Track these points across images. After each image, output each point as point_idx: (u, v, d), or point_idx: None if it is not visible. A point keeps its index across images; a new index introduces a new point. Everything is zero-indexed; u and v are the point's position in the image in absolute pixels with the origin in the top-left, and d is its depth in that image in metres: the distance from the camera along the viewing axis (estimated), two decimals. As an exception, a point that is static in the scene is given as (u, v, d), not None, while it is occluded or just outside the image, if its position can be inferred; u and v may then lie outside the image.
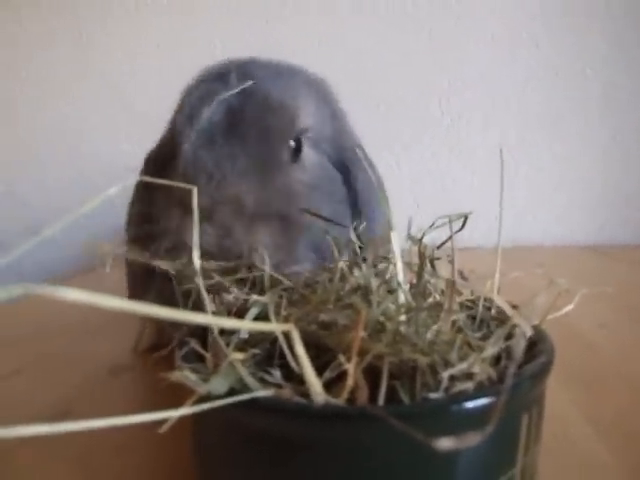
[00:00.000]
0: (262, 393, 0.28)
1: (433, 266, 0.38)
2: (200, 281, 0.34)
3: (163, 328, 0.54)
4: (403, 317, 0.31)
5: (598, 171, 1.33)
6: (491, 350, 0.30)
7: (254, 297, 0.36)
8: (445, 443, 0.22)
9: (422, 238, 0.37)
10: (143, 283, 0.48)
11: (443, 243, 0.40)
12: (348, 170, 0.53)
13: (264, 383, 0.30)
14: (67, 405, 0.49)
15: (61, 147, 1.37)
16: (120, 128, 1.36)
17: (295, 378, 0.31)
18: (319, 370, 0.29)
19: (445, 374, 0.28)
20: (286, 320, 0.33)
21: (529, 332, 0.31)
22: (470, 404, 0.27)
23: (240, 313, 0.37)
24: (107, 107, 1.36)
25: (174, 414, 0.23)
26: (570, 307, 0.38)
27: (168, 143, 0.50)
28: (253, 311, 0.36)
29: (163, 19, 1.35)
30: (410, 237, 0.37)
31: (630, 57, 1.31)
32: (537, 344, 0.33)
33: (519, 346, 0.28)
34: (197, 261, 0.35)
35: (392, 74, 1.33)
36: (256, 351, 0.33)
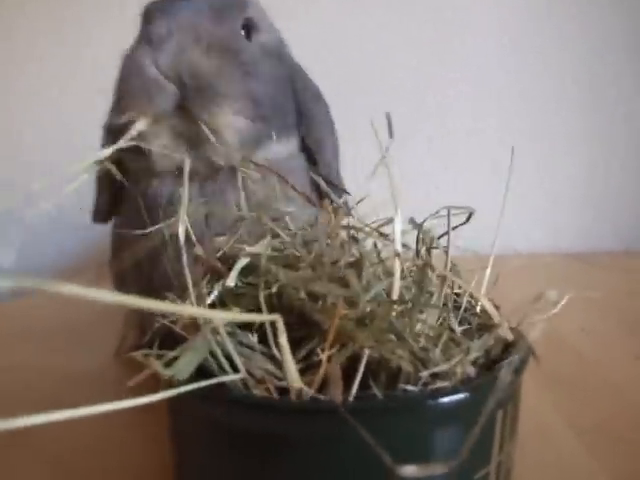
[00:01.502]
0: (228, 378, 0.28)
1: (429, 254, 0.37)
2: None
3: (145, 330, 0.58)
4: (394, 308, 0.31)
5: (582, 177, 1.32)
6: (475, 354, 0.30)
7: (246, 247, 0.35)
8: (409, 471, 0.22)
9: (422, 223, 0.37)
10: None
11: (443, 234, 0.39)
12: (294, 76, 0.55)
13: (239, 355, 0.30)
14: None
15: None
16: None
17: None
18: (299, 343, 0.30)
19: (425, 373, 0.28)
20: (275, 281, 0.33)
21: (509, 335, 0.32)
22: (445, 400, 0.27)
23: (229, 260, 0.36)
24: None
25: (144, 400, 0.23)
26: (554, 311, 0.36)
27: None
28: (242, 261, 0.35)
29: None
30: (412, 221, 0.36)
31: (616, 57, 1.29)
32: (514, 343, 0.33)
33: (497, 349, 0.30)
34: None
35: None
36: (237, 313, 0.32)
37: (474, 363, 0.30)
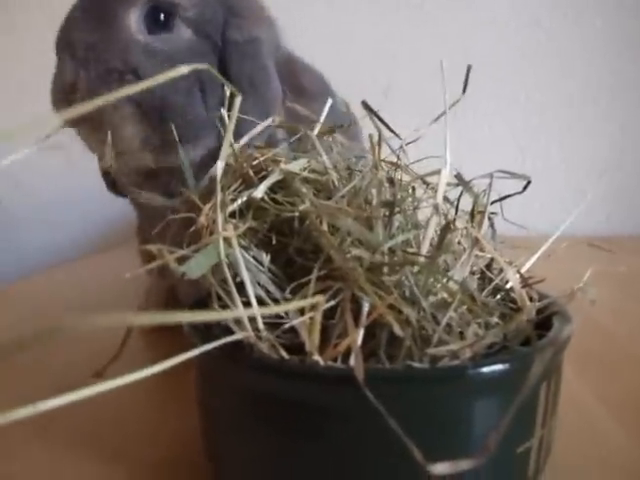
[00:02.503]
0: (237, 336, 0.27)
1: (473, 217, 0.35)
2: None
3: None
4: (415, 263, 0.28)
5: (606, 163, 1.30)
6: (490, 339, 0.28)
7: (281, 165, 0.33)
8: (439, 468, 0.21)
9: (470, 181, 0.34)
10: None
11: (496, 201, 0.37)
12: (227, 58, 0.50)
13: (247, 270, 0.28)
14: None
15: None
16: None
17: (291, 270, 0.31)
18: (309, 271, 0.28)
19: (432, 350, 0.26)
20: (301, 204, 0.30)
21: (531, 315, 0.30)
22: (491, 369, 0.25)
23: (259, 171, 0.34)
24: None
25: (166, 364, 0.22)
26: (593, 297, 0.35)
27: None
28: (274, 175, 0.33)
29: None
30: (459, 177, 0.33)
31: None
32: (555, 317, 0.32)
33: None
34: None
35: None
36: (253, 225, 0.31)
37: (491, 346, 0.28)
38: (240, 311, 0.26)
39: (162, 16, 0.47)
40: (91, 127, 0.46)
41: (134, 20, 0.46)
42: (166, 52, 0.46)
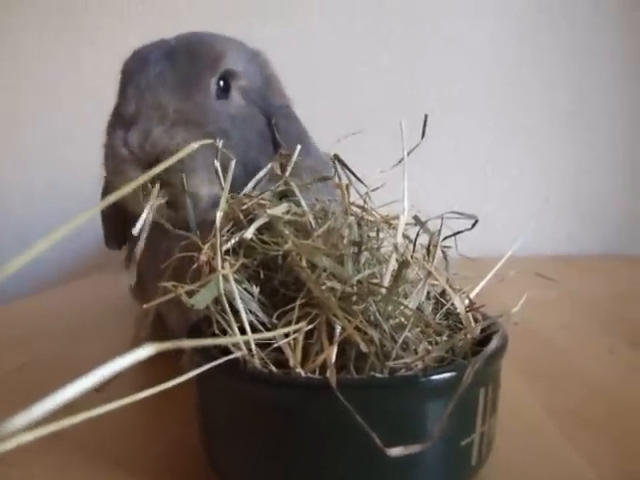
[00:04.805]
0: (235, 354, 0.33)
1: (429, 252, 0.42)
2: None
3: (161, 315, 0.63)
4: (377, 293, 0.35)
5: (568, 184, 1.38)
6: (437, 353, 0.35)
7: (267, 210, 0.39)
8: (395, 451, 0.28)
9: (426, 222, 0.41)
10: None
11: (448, 237, 0.44)
12: (276, 121, 0.58)
13: (245, 303, 0.35)
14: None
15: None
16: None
17: (276, 299, 0.37)
18: (290, 300, 0.35)
19: (390, 363, 0.33)
20: (284, 244, 0.37)
21: (474, 333, 0.37)
22: (437, 377, 0.32)
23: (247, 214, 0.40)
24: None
25: (170, 383, 0.26)
26: (521, 301, 0.42)
27: None
28: (261, 219, 0.39)
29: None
30: (416, 218, 0.40)
31: (599, 63, 1.35)
32: (492, 332, 0.37)
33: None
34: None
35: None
36: (244, 262, 0.38)
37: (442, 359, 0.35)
38: (239, 337, 0.33)
39: (222, 83, 0.54)
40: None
41: (213, 87, 0.53)
42: (233, 116, 0.53)
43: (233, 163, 0.41)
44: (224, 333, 0.34)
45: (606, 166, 1.37)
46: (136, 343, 0.61)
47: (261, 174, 0.46)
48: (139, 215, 0.45)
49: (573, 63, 1.34)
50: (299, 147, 0.47)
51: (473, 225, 0.44)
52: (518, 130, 1.37)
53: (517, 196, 1.38)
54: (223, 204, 0.38)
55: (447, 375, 0.32)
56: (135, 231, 0.41)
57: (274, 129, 0.57)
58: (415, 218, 0.40)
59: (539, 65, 1.35)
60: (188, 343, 0.24)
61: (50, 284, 1.22)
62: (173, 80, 0.51)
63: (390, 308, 0.35)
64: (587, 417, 0.49)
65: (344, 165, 0.43)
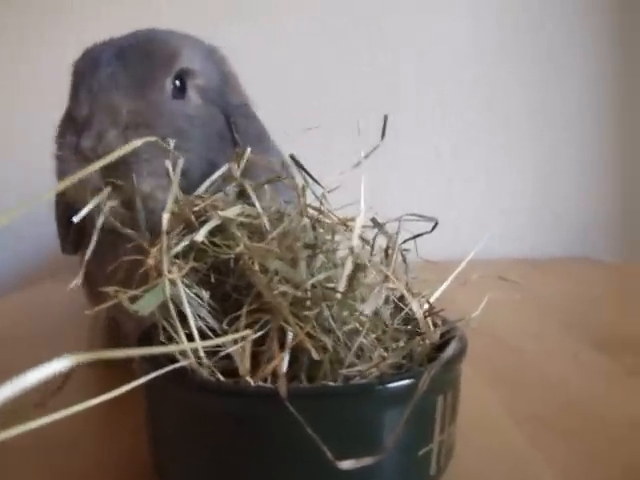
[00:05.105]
0: (182, 363, 0.31)
1: (387, 255, 0.40)
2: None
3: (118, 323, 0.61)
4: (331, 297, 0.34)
5: (529, 188, 1.39)
6: (393, 359, 0.34)
7: (219, 212, 0.38)
8: (346, 464, 0.27)
9: (384, 224, 0.40)
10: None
11: (407, 240, 0.43)
12: (234, 120, 0.57)
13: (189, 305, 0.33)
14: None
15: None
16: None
17: (227, 304, 0.36)
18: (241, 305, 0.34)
19: (344, 371, 0.32)
20: (236, 247, 0.36)
21: (434, 338, 0.36)
22: (393, 385, 0.31)
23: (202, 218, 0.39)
24: None
25: (119, 391, 0.25)
26: (482, 305, 0.41)
27: None
28: (213, 221, 0.37)
29: None
30: (374, 220, 0.39)
31: (562, 67, 1.36)
32: (451, 337, 0.36)
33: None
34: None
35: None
36: (194, 266, 0.36)
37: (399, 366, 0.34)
38: (185, 345, 0.31)
39: (178, 83, 0.52)
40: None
41: (169, 86, 0.51)
42: (190, 116, 0.52)
43: (181, 162, 0.39)
44: (172, 340, 0.33)
45: (572, 169, 1.38)
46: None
47: (216, 175, 0.44)
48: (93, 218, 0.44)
49: (548, 63, 1.35)
50: (250, 148, 0.46)
51: (433, 228, 0.43)
52: (484, 131, 1.37)
53: (483, 198, 1.38)
54: (170, 205, 0.36)
55: (403, 383, 0.31)
56: (75, 219, 0.39)
57: (232, 128, 0.56)
58: (373, 220, 0.39)
59: (514, 65, 1.36)
60: (120, 353, 0.23)
61: (3, 290, 1.18)
62: (126, 81, 0.50)
63: (345, 314, 0.33)
64: (552, 423, 0.48)
65: (300, 166, 0.41)
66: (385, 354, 0.33)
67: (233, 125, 0.56)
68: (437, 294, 0.43)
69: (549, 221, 1.39)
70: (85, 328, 0.65)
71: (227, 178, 0.45)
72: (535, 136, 1.37)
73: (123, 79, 0.50)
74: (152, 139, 0.33)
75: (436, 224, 0.42)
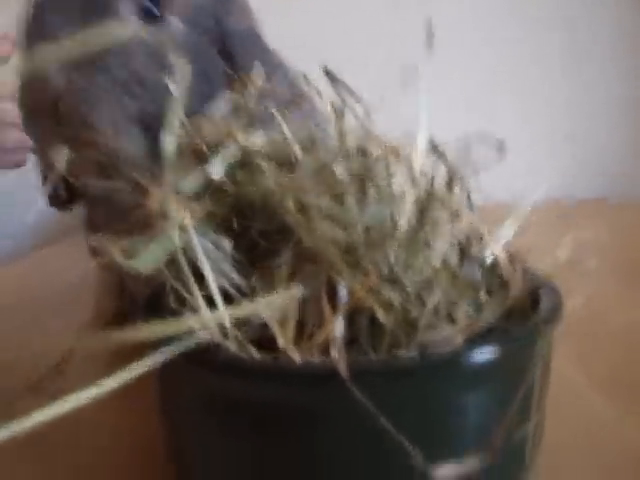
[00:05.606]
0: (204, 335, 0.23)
1: (450, 189, 0.31)
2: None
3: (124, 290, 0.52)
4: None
5: (564, 128, 1.32)
6: (485, 321, 0.25)
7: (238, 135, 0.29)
8: (443, 470, 0.19)
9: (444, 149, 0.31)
10: None
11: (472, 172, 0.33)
12: (231, 56, 0.45)
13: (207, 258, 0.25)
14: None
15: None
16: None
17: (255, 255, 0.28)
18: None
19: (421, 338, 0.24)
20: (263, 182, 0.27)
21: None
22: (485, 355, 0.22)
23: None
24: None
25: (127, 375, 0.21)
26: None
27: None
28: (230, 150, 0.29)
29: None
30: (432, 143, 0.31)
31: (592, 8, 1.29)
32: (541, 291, 0.29)
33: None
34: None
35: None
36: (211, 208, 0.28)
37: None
38: (207, 315, 0.23)
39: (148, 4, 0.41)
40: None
41: (127, 11, 0.40)
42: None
43: (188, 70, 0.29)
44: (185, 305, 0.25)
45: (604, 111, 1.31)
46: (95, 319, 0.55)
47: (219, 105, 0.36)
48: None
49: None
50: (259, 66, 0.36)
51: (500, 152, 0.34)
52: (521, 72, 1.29)
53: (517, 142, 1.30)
54: (174, 127, 0.27)
55: (504, 350, 0.22)
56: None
57: (225, 58, 0.44)
58: (431, 144, 0.31)
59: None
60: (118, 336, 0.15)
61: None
62: (76, 7, 0.39)
63: (411, 260, 0.25)
64: (629, 380, 0.43)
65: (336, 80, 0.33)
66: (471, 312, 0.25)
67: (224, 53, 0.45)
68: (509, 236, 0.35)
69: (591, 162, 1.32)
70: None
71: (236, 109, 0.36)
72: (576, 77, 1.30)
73: (63, 6, 0.39)
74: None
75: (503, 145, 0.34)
